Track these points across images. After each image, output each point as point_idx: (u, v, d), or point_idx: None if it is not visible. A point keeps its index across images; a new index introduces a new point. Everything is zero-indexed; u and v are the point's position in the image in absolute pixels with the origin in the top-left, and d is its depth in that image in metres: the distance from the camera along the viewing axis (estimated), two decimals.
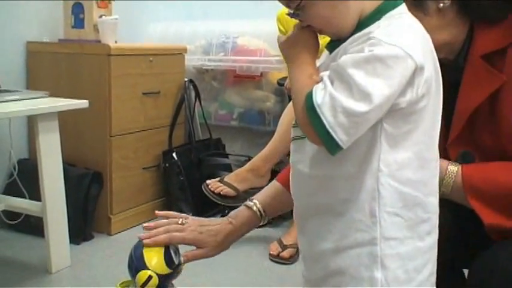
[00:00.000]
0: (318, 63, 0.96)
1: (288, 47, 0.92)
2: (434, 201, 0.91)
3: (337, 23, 0.89)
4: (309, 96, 0.83)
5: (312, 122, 0.82)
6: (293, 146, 0.97)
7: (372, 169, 0.86)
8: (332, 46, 0.93)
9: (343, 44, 0.88)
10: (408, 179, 0.87)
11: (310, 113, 0.82)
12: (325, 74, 0.84)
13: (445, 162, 1.08)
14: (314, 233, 0.93)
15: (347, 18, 0.88)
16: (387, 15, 0.88)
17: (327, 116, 0.80)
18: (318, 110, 0.81)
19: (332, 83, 0.82)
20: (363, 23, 0.88)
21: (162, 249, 1.25)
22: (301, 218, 0.98)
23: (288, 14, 0.94)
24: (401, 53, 0.81)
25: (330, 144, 0.82)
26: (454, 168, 1.06)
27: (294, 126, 0.96)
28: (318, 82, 0.85)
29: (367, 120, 0.82)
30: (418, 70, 0.83)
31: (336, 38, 0.92)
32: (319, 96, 0.81)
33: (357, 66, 0.81)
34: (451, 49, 1.13)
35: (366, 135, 0.84)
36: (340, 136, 0.81)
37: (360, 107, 0.79)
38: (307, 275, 0.99)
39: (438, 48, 1.02)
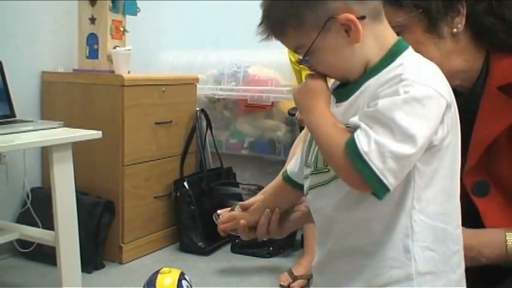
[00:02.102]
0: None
1: (302, 97, 0.94)
2: (460, 233, 0.94)
3: (343, 67, 0.92)
4: (351, 144, 0.83)
5: (359, 170, 0.82)
6: (312, 193, 0.97)
7: (406, 207, 0.88)
8: (339, 93, 0.95)
9: (367, 89, 0.89)
10: (436, 213, 0.89)
11: (356, 161, 0.82)
12: (359, 121, 0.84)
13: (499, 230, 1.08)
14: (342, 274, 0.94)
15: (353, 63, 0.91)
16: (401, 56, 0.90)
17: (376, 163, 0.81)
18: (365, 157, 0.81)
19: (371, 128, 0.82)
20: (378, 66, 0.90)
21: (176, 284, 1.27)
22: (324, 261, 0.98)
23: (297, 61, 0.96)
24: (434, 93, 0.84)
25: (379, 189, 0.83)
26: None
27: (311, 175, 0.97)
28: (346, 130, 0.86)
29: (413, 162, 0.84)
30: (448, 108, 0.86)
31: (344, 81, 0.95)
32: (364, 143, 0.82)
33: (397, 108, 0.82)
34: (467, 77, 1.13)
35: None
36: (390, 181, 0.82)
37: (406, 149, 0.81)
38: None
39: (453, 74, 1.03)
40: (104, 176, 2.58)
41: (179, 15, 3.38)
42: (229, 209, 2.48)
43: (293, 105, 2.85)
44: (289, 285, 2.30)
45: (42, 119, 2.64)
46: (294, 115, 2.78)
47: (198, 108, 2.98)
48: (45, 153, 2.43)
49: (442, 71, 0.90)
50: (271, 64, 3.06)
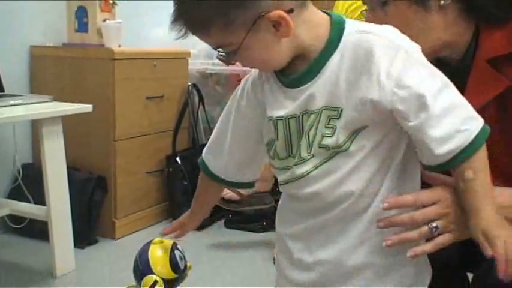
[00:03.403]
0: None
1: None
2: None
3: (272, 60, 0.90)
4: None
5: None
6: (304, 180, 0.93)
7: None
8: (296, 79, 0.91)
9: (335, 66, 0.88)
10: None
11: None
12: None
13: None
14: (333, 234, 0.94)
15: (282, 54, 0.89)
16: (347, 28, 0.89)
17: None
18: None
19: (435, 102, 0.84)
20: (329, 45, 0.88)
21: (168, 254, 1.25)
22: (313, 228, 0.96)
23: (220, 58, 0.91)
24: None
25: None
26: None
27: (295, 165, 0.93)
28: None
29: None
30: None
31: (269, 71, 0.94)
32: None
33: (422, 65, 0.86)
34: (455, 50, 1.12)
35: None
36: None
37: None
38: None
39: (439, 47, 1.01)
40: (96, 151, 2.56)
41: None
42: None
43: None
44: None
45: (32, 94, 2.60)
46: None
47: (190, 83, 2.95)
48: (36, 129, 2.40)
49: (429, 43, 0.91)
50: None
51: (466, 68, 1.10)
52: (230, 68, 3.01)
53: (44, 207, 2.11)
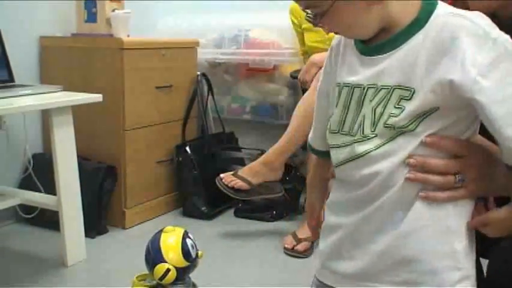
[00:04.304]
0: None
1: None
2: None
3: (359, 27, 0.90)
4: None
5: None
6: (361, 161, 0.91)
7: None
8: (375, 47, 0.91)
9: (417, 44, 0.86)
10: None
11: None
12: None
13: None
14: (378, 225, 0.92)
15: (370, 23, 0.88)
16: (436, 10, 0.87)
17: None
18: None
19: None
20: (416, 23, 0.87)
21: (180, 243, 1.26)
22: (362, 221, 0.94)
23: (308, 19, 0.92)
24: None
25: None
26: None
27: (355, 143, 0.92)
28: None
29: None
30: None
31: (353, 38, 0.94)
32: None
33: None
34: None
35: None
36: None
37: None
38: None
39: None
40: (105, 141, 2.57)
41: None
42: (231, 173, 2.50)
43: (295, 68, 2.82)
44: (293, 248, 2.29)
45: (42, 84, 2.61)
46: (296, 78, 2.74)
47: (199, 73, 2.94)
48: (46, 118, 2.41)
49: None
50: (272, 27, 3.01)
51: None
52: (239, 57, 3.01)
53: (55, 196, 2.12)
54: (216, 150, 2.84)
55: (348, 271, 0.96)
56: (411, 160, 0.87)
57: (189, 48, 2.92)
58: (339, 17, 0.88)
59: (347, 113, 0.93)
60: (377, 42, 0.90)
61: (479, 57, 0.81)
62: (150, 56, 2.65)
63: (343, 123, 0.94)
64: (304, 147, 2.42)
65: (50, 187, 2.18)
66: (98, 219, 2.45)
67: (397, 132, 0.87)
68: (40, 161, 2.50)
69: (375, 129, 0.88)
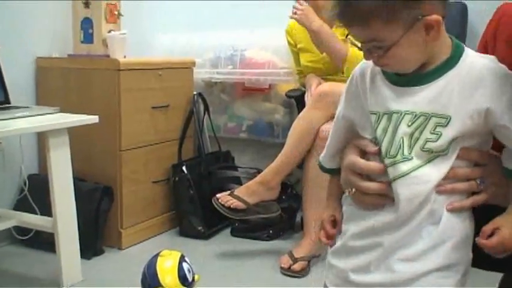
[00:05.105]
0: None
1: None
2: None
3: (410, 62, 0.98)
4: None
5: None
6: (405, 180, 0.99)
7: None
8: (414, 78, 1.00)
9: (452, 79, 0.98)
10: None
11: None
12: None
13: None
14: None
15: (419, 59, 0.98)
16: (465, 50, 1.01)
17: None
18: None
19: None
20: (451, 60, 0.99)
21: (176, 267, 1.26)
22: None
23: (366, 50, 0.98)
24: None
25: None
26: None
27: (399, 163, 0.99)
28: None
29: None
30: None
31: (404, 71, 1.00)
32: None
33: None
34: None
35: None
36: None
37: None
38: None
39: None
40: (102, 161, 2.56)
41: None
42: (228, 192, 2.49)
43: (291, 87, 2.84)
44: (290, 267, 2.29)
45: (38, 105, 2.61)
46: (291, 97, 2.76)
47: (195, 92, 2.95)
48: (42, 140, 2.41)
49: None
50: (268, 47, 3.03)
51: None
52: (235, 76, 3.02)
53: (50, 218, 2.11)
54: (213, 170, 2.84)
55: (375, 280, 1.02)
56: (441, 188, 0.98)
57: (186, 68, 2.94)
58: (399, 52, 0.95)
59: (384, 137, 1.00)
60: (414, 75, 0.99)
61: (506, 90, 0.95)
62: (147, 76, 2.66)
63: (381, 147, 1.01)
64: (300, 165, 2.42)
65: (46, 208, 2.18)
66: (94, 240, 2.44)
67: (434, 156, 0.97)
68: (36, 182, 2.50)
69: (411, 152, 0.98)
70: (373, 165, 1.02)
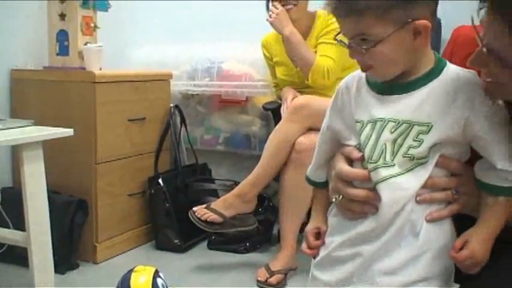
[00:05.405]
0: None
1: None
2: None
3: (394, 66, 1.00)
4: None
5: None
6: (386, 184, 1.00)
7: None
8: (396, 86, 1.02)
9: (434, 89, 1.01)
10: None
11: None
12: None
13: None
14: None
15: (403, 64, 1.00)
16: (447, 64, 1.04)
17: None
18: None
19: None
20: (434, 71, 1.02)
21: (150, 282, 1.25)
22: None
23: (350, 45, 1.00)
24: None
25: None
26: None
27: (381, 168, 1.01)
28: None
29: None
30: None
31: (380, 79, 1.03)
32: None
33: None
34: None
35: None
36: None
37: None
38: None
39: None
40: (77, 174, 2.54)
41: (150, 10, 3.34)
42: (204, 206, 2.48)
43: (267, 99, 2.85)
44: (266, 281, 2.29)
45: (13, 117, 2.58)
46: (268, 109, 2.77)
47: (172, 105, 2.95)
48: (16, 153, 2.38)
49: None
50: (245, 59, 3.05)
51: None
52: (212, 89, 3.02)
53: (24, 233, 2.08)
54: (189, 182, 2.82)
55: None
56: (420, 198, 1.00)
57: (162, 80, 2.93)
58: (385, 50, 0.97)
59: (367, 143, 1.02)
60: (399, 84, 1.02)
61: (484, 102, 0.98)
62: (123, 88, 2.65)
63: (364, 153, 1.03)
64: (277, 178, 2.43)
65: (19, 222, 2.14)
66: (69, 254, 2.42)
67: (415, 164, 0.99)
68: (9, 196, 2.46)
69: (393, 158, 1.00)
70: (357, 171, 1.04)
